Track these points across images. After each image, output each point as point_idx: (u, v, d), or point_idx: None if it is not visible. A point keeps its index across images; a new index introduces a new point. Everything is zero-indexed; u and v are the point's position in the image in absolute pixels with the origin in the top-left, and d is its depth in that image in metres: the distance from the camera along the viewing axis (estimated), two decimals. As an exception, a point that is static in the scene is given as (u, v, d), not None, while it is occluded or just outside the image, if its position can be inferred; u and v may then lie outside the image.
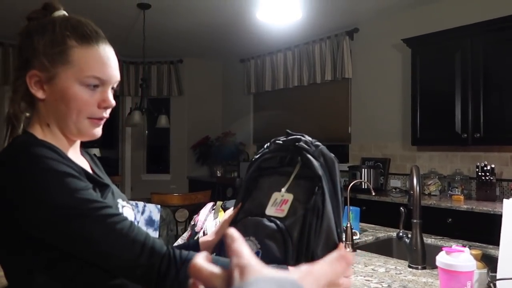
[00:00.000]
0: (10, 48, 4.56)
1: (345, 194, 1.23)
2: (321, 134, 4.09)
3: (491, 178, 2.95)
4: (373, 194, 1.77)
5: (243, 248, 0.42)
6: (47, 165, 0.69)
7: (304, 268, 0.73)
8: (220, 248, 0.88)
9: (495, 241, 1.44)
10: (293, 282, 0.38)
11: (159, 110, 4.49)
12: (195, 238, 1.20)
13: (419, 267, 1.30)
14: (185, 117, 5.51)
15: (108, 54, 0.80)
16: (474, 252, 1.06)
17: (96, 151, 7.32)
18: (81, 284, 0.72)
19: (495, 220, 2.50)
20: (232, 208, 0.99)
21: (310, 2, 3.42)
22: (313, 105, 4.58)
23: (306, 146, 0.85)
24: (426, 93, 3.24)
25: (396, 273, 1.27)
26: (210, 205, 1.32)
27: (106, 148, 7.10)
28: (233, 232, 0.43)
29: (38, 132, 0.78)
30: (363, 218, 1.98)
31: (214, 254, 0.90)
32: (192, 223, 1.28)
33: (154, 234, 1.95)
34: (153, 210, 2.07)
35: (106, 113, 0.81)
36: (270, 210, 0.82)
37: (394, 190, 3.55)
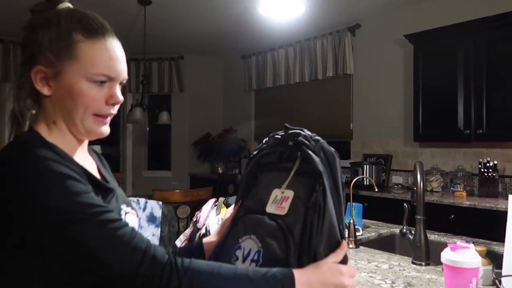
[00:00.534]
0: (11, 44, 4.55)
1: (348, 190, 1.22)
2: (323, 130, 4.08)
3: (494, 174, 2.94)
4: (376, 190, 1.76)
5: None
6: (46, 166, 0.66)
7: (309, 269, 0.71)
8: (220, 248, 0.86)
9: (498, 238, 1.43)
10: None
11: (160, 106, 4.48)
12: (198, 236, 1.19)
13: (423, 263, 1.30)
14: (186, 113, 5.50)
15: (115, 49, 0.77)
16: (479, 248, 1.05)
17: (97, 148, 7.31)
18: None
19: (498, 217, 2.49)
20: (233, 205, 0.98)
21: (311, -3, 3.40)
22: (315, 101, 4.57)
23: (306, 141, 0.83)
24: (428, 89, 3.23)
25: (399, 270, 1.26)
26: (212, 201, 1.31)
27: (107, 145, 7.10)
28: None
29: (44, 130, 0.75)
30: (365, 215, 1.97)
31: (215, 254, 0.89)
32: (194, 219, 1.27)
33: (156, 230, 1.94)
34: (155, 207, 2.06)
35: (114, 110, 0.79)
36: (270, 208, 0.80)
37: (396, 186, 3.54)
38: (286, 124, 0.88)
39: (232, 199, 1.28)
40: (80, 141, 0.80)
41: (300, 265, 0.73)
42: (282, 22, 3.91)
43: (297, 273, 0.71)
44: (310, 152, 0.80)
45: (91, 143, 0.87)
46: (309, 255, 0.74)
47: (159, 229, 1.90)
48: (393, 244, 1.83)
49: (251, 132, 5.41)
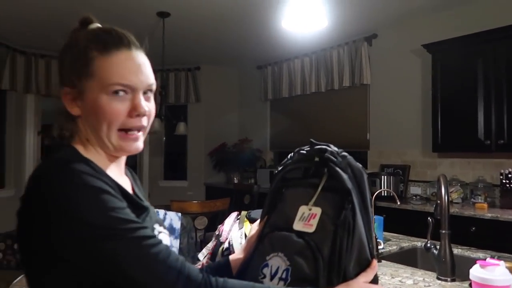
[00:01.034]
0: (33, 57, 4.67)
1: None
2: (339, 140, 4.06)
3: (516, 185, 2.88)
4: (398, 203, 1.74)
5: None
6: (82, 180, 0.65)
7: None
8: (246, 265, 0.86)
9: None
10: None
11: (177, 117, 4.53)
12: (221, 251, 1.19)
13: (449, 279, 1.27)
14: (202, 123, 5.54)
15: (132, 59, 0.75)
16: (508, 265, 1.03)
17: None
18: None
19: (522, 230, 2.43)
20: (258, 221, 0.98)
21: (328, 9, 3.41)
22: (331, 112, 4.56)
23: (333, 157, 0.82)
24: (447, 99, 3.19)
25: (424, 286, 1.24)
26: (234, 214, 1.31)
27: (124, 154, 7.18)
28: None
29: (80, 148, 0.76)
30: (384, 227, 1.95)
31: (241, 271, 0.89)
32: (217, 233, 1.27)
33: (175, 242, 1.94)
34: (174, 218, 2.07)
35: (142, 121, 0.76)
36: (298, 225, 0.80)
37: (414, 197, 3.49)
38: (312, 140, 0.88)
39: (255, 213, 1.28)
40: (114, 158, 0.80)
41: (330, 284, 0.72)
42: (299, 33, 3.93)
43: None
44: (338, 169, 0.80)
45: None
46: (339, 274, 0.73)
47: (178, 240, 1.90)
48: (415, 258, 1.80)
49: (267, 142, 5.41)
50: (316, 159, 0.84)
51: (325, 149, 0.84)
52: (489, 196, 3.10)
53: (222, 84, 5.68)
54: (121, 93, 0.73)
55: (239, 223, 1.26)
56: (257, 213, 1.31)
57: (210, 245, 1.27)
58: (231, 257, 0.93)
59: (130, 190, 0.82)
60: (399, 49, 3.87)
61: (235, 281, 0.70)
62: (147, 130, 0.80)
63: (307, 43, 4.38)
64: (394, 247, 1.76)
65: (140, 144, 0.78)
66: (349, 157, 0.84)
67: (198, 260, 1.24)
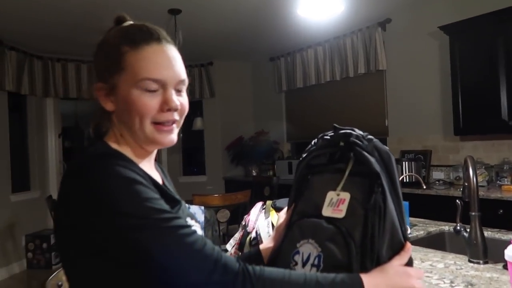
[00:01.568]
0: (49, 61, 4.75)
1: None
2: (357, 128, 4.01)
3: (544, 165, 2.80)
4: (424, 187, 1.71)
5: None
6: (115, 171, 0.66)
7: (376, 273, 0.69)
8: (277, 253, 0.85)
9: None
10: None
11: (193, 112, 4.55)
12: (248, 240, 1.19)
13: (481, 261, 1.25)
14: (218, 118, 5.55)
15: (163, 54, 0.76)
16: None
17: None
18: None
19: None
20: (285, 209, 0.98)
21: (340, -5, 3.36)
22: (347, 100, 4.50)
23: (359, 141, 0.81)
24: (468, 80, 3.11)
25: (456, 269, 1.22)
26: (259, 204, 1.32)
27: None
28: None
29: (113, 143, 0.77)
30: (409, 212, 1.92)
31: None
32: (243, 223, 1.28)
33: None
34: (197, 212, 2.10)
35: (174, 116, 0.77)
36: (327, 211, 0.79)
37: (437, 182, 3.43)
38: (335, 125, 0.87)
39: (280, 202, 1.28)
40: (146, 153, 0.81)
41: (363, 269, 0.72)
42: (311, 22, 3.88)
43: (365, 278, 0.70)
44: (364, 152, 0.78)
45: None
46: (372, 258, 0.72)
47: (203, 233, 1.93)
48: (443, 242, 1.77)
49: (283, 133, 5.40)
50: (341, 143, 0.83)
51: (350, 133, 0.83)
52: (515, 177, 3.02)
53: (236, 78, 5.68)
54: (152, 88, 0.73)
55: (265, 213, 1.26)
56: (282, 202, 1.31)
57: (237, 235, 1.27)
58: (261, 246, 0.93)
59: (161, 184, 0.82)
60: (414, 33, 3.79)
61: (272, 268, 0.70)
62: (181, 124, 0.80)
63: (320, 31, 4.33)
64: (421, 232, 1.73)
65: (174, 137, 0.78)
66: (375, 140, 0.82)
67: (226, 251, 1.25)
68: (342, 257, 0.74)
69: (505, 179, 3.02)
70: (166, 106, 0.75)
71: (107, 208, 0.63)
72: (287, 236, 0.85)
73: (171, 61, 0.76)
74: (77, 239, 0.67)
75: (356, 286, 0.69)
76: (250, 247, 1.15)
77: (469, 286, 1.07)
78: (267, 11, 3.76)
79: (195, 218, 0.86)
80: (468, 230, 1.32)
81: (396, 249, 0.75)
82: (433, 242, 1.70)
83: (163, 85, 0.75)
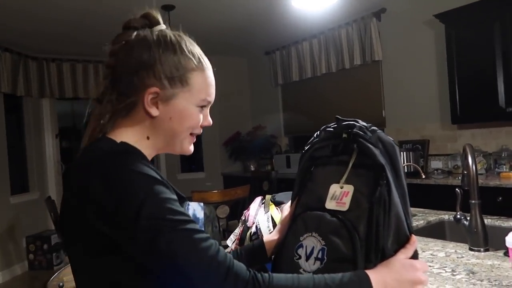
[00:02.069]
0: (44, 61, 4.71)
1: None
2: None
3: (542, 151, 2.81)
4: (423, 176, 1.72)
5: None
6: (139, 169, 0.66)
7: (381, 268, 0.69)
8: (281, 247, 0.86)
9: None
10: None
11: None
12: (249, 235, 1.19)
13: (482, 249, 1.25)
14: (215, 114, 5.43)
15: (212, 76, 0.84)
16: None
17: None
18: None
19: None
20: (289, 203, 0.97)
21: (334, -14, 3.34)
22: (344, 91, 4.50)
23: (362, 133, 0.80)
24: (464, 68, 3.11)
25: (457, 257, 1.22)
26: (259, 199, 1.31)
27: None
28: None
29: (131, 141, 0.76)
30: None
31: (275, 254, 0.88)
32: (243, 218, 1.27)
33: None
34: (197, 208, 2.09)
35: (202, 129, 0.85)
36: (330, 204, 0.79)
37: (436, 171, 3.44)
38: (338, 116, 0.86)
39: (280, 196, 1.28)
40: (153, 155, 0.83)
41: (368, 262, 0.72)
42: (306, 14, 3.86)
43: (372, 274, 0.70)
44: (368, 144, 0.78)
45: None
46: (377, 251, 0.72)
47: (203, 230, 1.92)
48: (443, 231, 1.78)
49: (281, 127, 5.39)
50: (344, 135, 0.82)
51: (353, 124, 0.82)
52: (513, 164, 3.03)
53: (232, 73, 5.65)
54: (204, 105, 0.82)
55: (264, 207, 1.25)
56: (281, 196, 1.30)
57: (237, 231, 1.27)
58: (265, 238, 0.93)
59: None
60: (409, 22, 3.78)
61: (280, 275, 0.70)
62: None
63: (315, 23, 4.31)
64: (421, 222, 1.74)
65: (193, 147, 0.86)
66: (379, 131, 0.82)
67: (227, 246, 1.25)
68: (346, 250, 0.73)
69: (504, 166, 3.03)
70: (206, 122, 0.84)
71: (129, 205, 0.63)
72: (291, 229, 0.84)
73: (215, 83, 0.85)
74: (93, 237, 0.66)
75: (364, 282, 0.69)
76: (250, 242, 1.15)
77: (471, 274, 1.07)
78: (261, 5, 3.74)
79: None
80: (468, 218, 1.32)
81: (402, 242, 0.75)
82: (433, 231, 1.71)
83: (208, 104, 0.84)
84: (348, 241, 0.73)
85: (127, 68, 0.76)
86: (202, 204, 2.06)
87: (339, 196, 0.78)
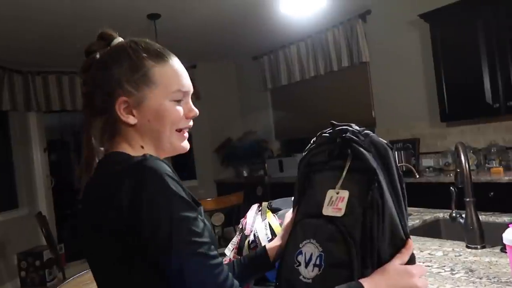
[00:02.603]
0: (29, 74, 4.65)
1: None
2: (344, 121, 3.97)
3: (530, 146, 2.85)
4: (417, 176, 1.72)
5: None
6: (168, 183, 0.66)
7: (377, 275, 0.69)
8: (283, 254, 0.85)
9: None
10: None
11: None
12: (247, 244, 1.18)
13: (478, 246, 1.26)
14: (205, 121, 5.51)
15: (179, 66, 0.81)
16: (541, 225, 1.01)
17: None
18: None
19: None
20: (291, 210, 0.96)
21: (319, -10, 3.36)
22: (333, 93, 4.52)
23: (354, 137, 0.80)
24: (450, 67, 3.14)
25: (455, 256, 1.22)
26: (255, 207, 1.30)
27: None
28: None
29: (134, 153, 0.76)
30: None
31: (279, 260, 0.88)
32: (240, 226, 1.26)
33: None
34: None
35: (191, 122, 0.83)
36: (327, 210, 0.78)
37: (427, 169, 3.47)
38: (333, 121, 0.86)
39: (276, 202, 1.27)
40: None
41: (364, 267, 0.71)
42: (292, 18, 3.88)
43: (366, 283, 0.69)
44: (360, 148, 0.77)
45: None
46: (372, 256, 0.71)
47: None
48: (439, 230, 1.79)
49: (272, 131, 5.39)
50: (338, 140, 0.82)
51: (346, 129, 0.82)
52: (503, 159, 3.07)
53: (220, 80, 5.65)
54: (180, 98, 0.80)
55: (261, 215, 1.24)
56: (278, 202, 1.29)
57: (235, 239, 1.25)
58: (268, 245, 0.93)
59: None
60: (395, 23, 3.82)
61: None
62: None
63: (302, 27, 4.33)
64: (417, 221, 1.74)
65: (188, 144, 0.85)
66: (372, 134, 0.81)
67: (225, 255, 1.23)
68: (342, 255, 0.73)
69: (493, 162, 3.06)
70: (191, 113, 0.82)
71: (154, 223, 0.64)
72: (291, 236, 0.85)
73: (186, 72, 0.83)
74: (116, 246, 0.67)
75: None
76: (249, 250, 1.14)
77: (469, 272, 1.07)
78: (247, 11, 3.75)
79: None
80: (463, 216, 1.33)
81: (398, 245, 0.74)
82: (429, 230, 1.71)
83: (186, 95, 0.81)
84: (343, 246, 0.73)
85: (97, 91, 0.78)
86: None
87: (335, 201, 0.77)
